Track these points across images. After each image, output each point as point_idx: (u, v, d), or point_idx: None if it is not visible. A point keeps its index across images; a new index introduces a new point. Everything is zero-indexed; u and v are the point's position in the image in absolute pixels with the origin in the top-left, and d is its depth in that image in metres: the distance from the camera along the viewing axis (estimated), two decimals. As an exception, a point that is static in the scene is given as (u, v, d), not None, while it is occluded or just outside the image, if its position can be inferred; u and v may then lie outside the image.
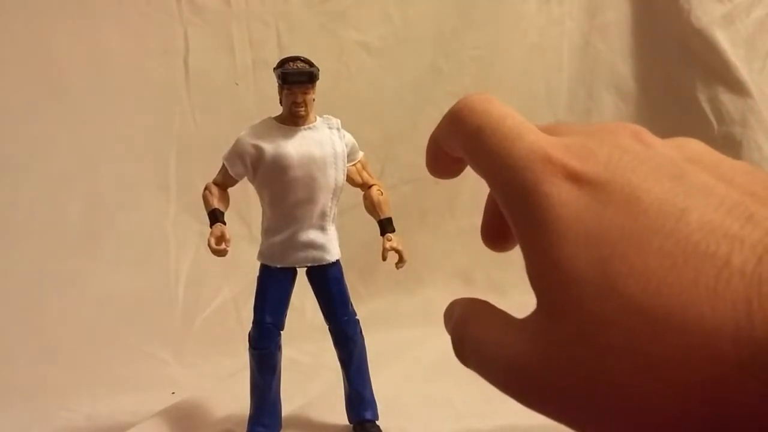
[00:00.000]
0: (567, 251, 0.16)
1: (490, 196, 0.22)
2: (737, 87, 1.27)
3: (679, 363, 0.14)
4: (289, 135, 0.75)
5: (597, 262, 0.15)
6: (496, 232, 0.23)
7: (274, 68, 0.75)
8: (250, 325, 0.79)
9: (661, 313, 0.14)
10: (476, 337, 0.19)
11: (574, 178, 0.16)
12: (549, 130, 0.19)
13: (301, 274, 0.80)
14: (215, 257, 0.73)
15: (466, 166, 0.22)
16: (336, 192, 0.77)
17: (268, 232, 0.79)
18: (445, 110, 0.21)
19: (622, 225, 0.15)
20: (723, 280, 0.14)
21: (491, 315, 0.19)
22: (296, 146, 0.75)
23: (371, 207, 0.80)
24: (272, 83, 0.77)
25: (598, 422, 0.15)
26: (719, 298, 0.13)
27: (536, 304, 0.17)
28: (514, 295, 1.22)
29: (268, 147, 0.74)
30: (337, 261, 0.80)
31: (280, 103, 0.76)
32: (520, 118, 0.19)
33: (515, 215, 0.18)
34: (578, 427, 0.16)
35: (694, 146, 0.18)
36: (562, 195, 0.16)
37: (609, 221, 0.15)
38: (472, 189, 1.33)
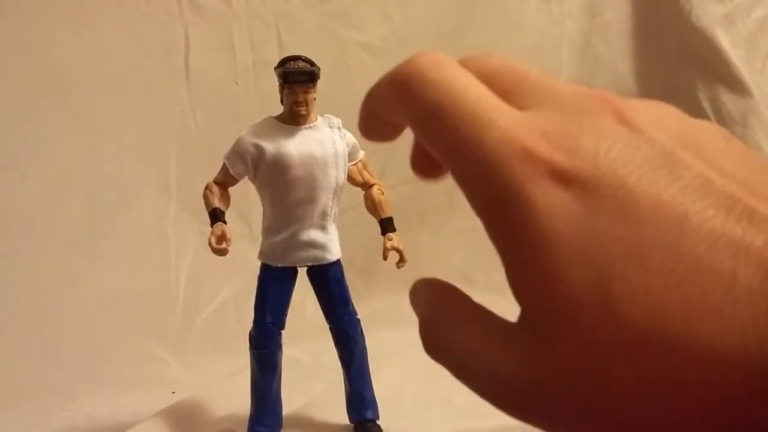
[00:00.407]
0: (561, 270, 0.14)
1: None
2: (738, 87, 1.27)
3: (688, 392, 0.13)
4: (290, 134, 0.75)
5: (595, 283, 0.14)
6: (426, 163, 0.20)
7: (275, 67, 0.75)
8: (251, 324, 0.79)
9: (667, 339, 0.13)
10: (452, 339, 0.17)
11: (560, 177, 0.15)
12: (509, 88, 0.17)
13: (302, 273, 0.80)
14: (216, 257, 0.73)
15: (404, 130, 0.19)
16: (337, 191, 0.77)
17: (268, 231, 0.79)
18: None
19: (619, 238, 0.14)
20: (730, 302, 0.13)
21: (468, 312, 0.17)
22: (297, 145, 0.75)
23: (372, 206, 0.80)
24: (273, 83, 0.77)
25: None
26: (728, 321, 0.13)
27: (521, 312, 0.16)
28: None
29: (269, 146, 0.74)
30: (338, 260, 0.80)
31: (281, 102, 0.76)
32: (483, 91, 0.16)
33: (492, 219, 0.16)
34: None
35: (672, 119, 0.17)
36: (548, 200, 0.14)
37: (605, 234, 0.14)
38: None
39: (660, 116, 0.17)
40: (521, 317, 0.16)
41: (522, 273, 0.15)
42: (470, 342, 0.16)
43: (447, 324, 0.17)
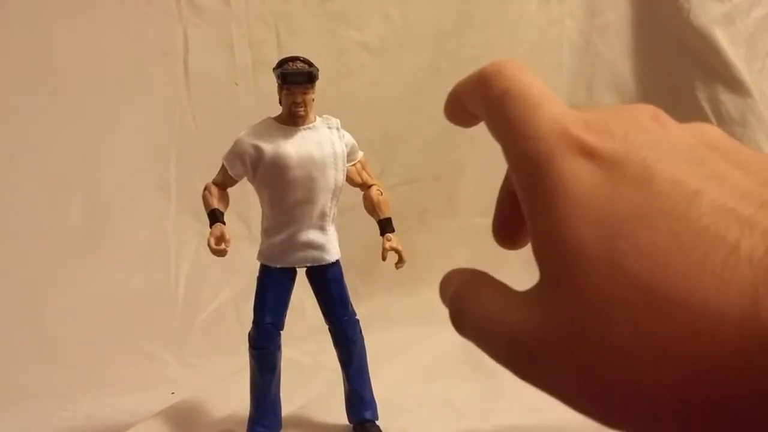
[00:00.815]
0: (575, 227, 0.16)
1: (502, 189, 0.22)
2: (737, 86, 1.27)
3: (681, 345, 0.14)
4: (288, 135, 0.75)
5: (604, 239, 0.15)
6: (508, 228, 0.23)
7: (274, 68, 0.75)
8: (250, 325, 0.79)
9: (666, 294, 0.14)
10: (475, 308, 0.19)
11: (589, 153, 0.16)
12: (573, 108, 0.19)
13: (301, 274, 0.80)
14: (215, 257, 0.73)
15: (480, 121, 0.21)
16: (335, 192, 0.77)
17: (267, 232, 0.79)
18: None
19: (632, 203, 0.15)
20: (730, 266, 0.14)
21: (491, 287, 0.19)
22: (296, 146, 0.75)
23: (371, 207, 0.80)
24: (272, 83, 0.77)
25: (597, 398, 0.15)
26: (725, 283, 0.14)
27: (539, 276, 0.17)
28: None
29: (268, 147, 0.74)
30: (337, 261, 0.79)
31: (280, 103, 0.76)
32: (547, 89, 0.19)
33: (525, 185, 0.17)
34: (576, 403, 0.16)
35: (712, 132, 0.18)
36: (574, 169, 0.16)
37: (620, 199, 0.15)
38: (471, 188, 1.33)
39: (695, 127, 0.18)
40: (537, 283, 0.17)
41: (542, 232, 0.17)
42: (489, 309, 0.18)
43: (471, 298, 0.19)
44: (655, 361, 0.14)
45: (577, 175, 0.16)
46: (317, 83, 0.75)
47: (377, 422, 0.81)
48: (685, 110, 1.32)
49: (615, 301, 0.15)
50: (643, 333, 0.14)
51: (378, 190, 0.80)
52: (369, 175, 0.81)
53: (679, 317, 0.14)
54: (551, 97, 0.18)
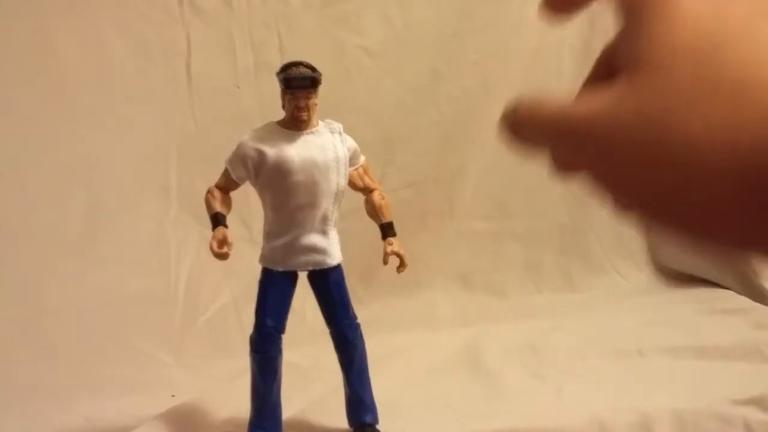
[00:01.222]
0: (681, 27, 0.17)
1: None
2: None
3: (749, 136, 0.15)
4: (291, 139, 0.75)
5: (708, 42, 0.17)
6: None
7: (277, 73, 0.75)
8: (251, 328, 0.79)
9: (751, 88, 0.16)
10: (536, 108, 0.20)
11: None
12: None
13: (302, 277, 0.80)
14: (216, 259, 0.74)
15: (579, 9, 0.23)
16: (338, 196, 0.77)
17: (269, 235, 0.79)
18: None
19: (738, 27, 0.17)
20: None
21: (547, 95, 0.21)
22: (298, 150, 0.75)
23: (373, 211, 0.80)
24: (273, 86, 0.77)
25: (661, 182, 0.17)
26: None
27: (623, 72, 0.18)
28: (514, 297, 1.22)
29: (271, 151, 0.75)
30: (339, 265, 0.80)
31: (283, 107, 0.76)
32: None
33: (635, 8, 0.19)
34: (634, 189, 0.18)
35: None
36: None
37: (727, 22, 0.17)
38: (471, 192, 1.34)
39: None
40: (615, 77, 0.18)
41: (646, 29, 0.18)
42: (550, 106, 0.20)
43: (531, 104, 0.21)
44: (728, 152, 0.16)
45: (687, 3, 0.18)
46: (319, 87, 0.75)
47: (377, 426, 0.81)
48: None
49: (705, 92, 0.16)
50: (712, 123, 0.16)
51: (380, 194, 0.80)
52: (371, 180, 0.81)
53: (755, 114, 0.15)
54: None
